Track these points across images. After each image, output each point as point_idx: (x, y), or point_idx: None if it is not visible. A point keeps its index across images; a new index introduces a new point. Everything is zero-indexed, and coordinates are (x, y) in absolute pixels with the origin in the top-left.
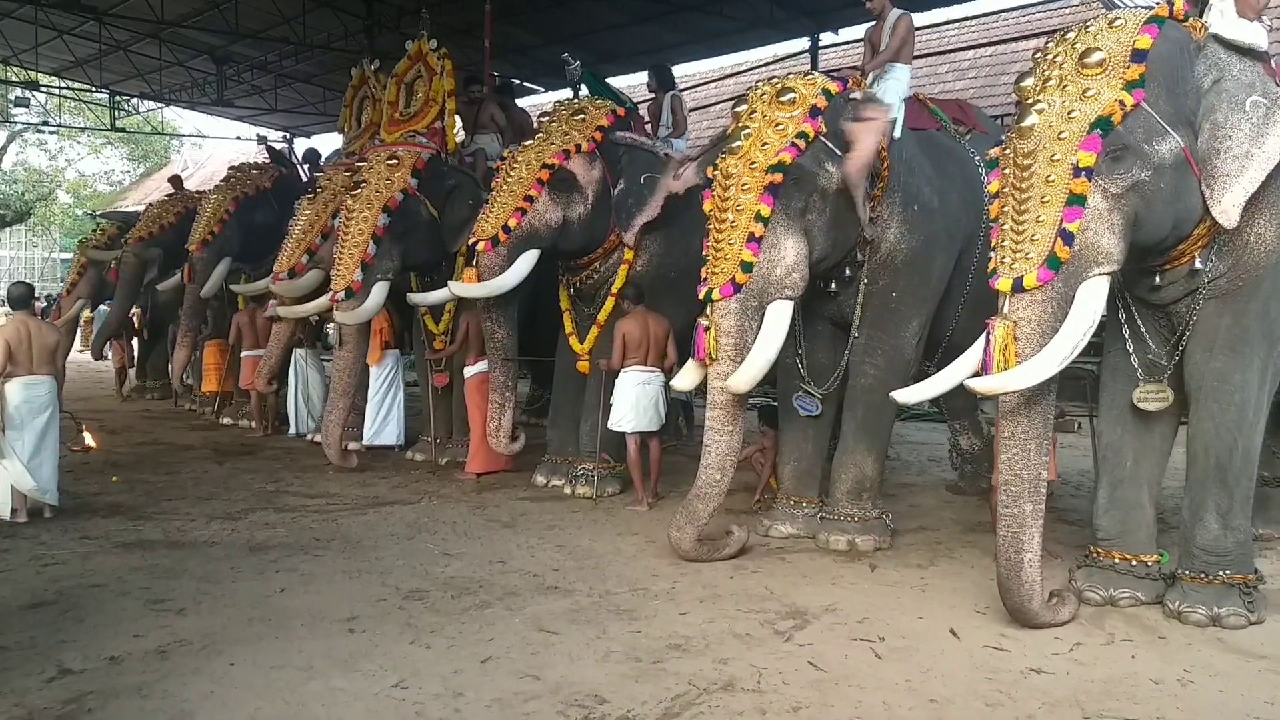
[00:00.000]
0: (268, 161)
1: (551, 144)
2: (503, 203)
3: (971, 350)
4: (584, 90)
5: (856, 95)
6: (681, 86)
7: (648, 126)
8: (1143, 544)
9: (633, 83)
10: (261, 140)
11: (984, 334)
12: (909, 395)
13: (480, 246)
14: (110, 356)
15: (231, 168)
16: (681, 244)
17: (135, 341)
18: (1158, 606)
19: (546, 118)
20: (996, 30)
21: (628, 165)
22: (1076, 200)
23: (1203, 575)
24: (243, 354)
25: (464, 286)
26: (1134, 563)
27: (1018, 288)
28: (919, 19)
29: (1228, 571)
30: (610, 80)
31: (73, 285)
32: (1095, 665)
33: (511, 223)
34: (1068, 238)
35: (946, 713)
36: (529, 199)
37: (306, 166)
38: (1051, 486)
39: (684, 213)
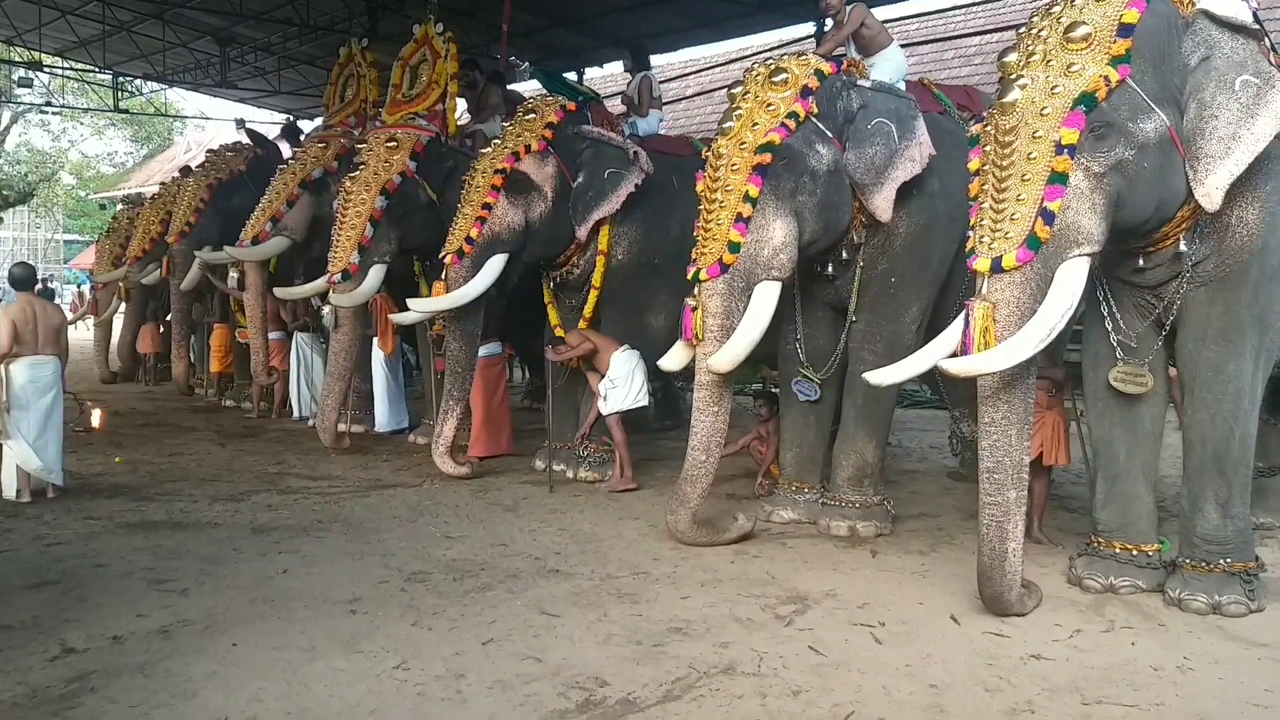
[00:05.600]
0: (245, 143)
1: (505, 148)
2: (465, 215)
3: (948, 331)
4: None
5: (864, 82)
6: (686, 70)
7: (622, 111)
8: (1143, 534)
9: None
10: (240, 124)
11: (963, 315)
12: (883, 376)
13: (448, 260)
14: (138, 343)
15: (209, 152)
16: (661, 230)
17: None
18: (1158, 594)
19: (508, 124)
20: (1004, 16)
21: (590, 159)
22: (1058, 178)
23: (1204, 564)
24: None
25: (429, 301)
26: (1135, 552)
27: (996, 268)
28: (927, 3)
29: (1228, 560)
30: (616, 64)
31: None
32: (1095, 652)
33: (473, 233)
34: (1049, 217)
35: (946, 698)
36: (487, 206)
37: (288, 143)
38: (1056, 473)
39: (659, 199)
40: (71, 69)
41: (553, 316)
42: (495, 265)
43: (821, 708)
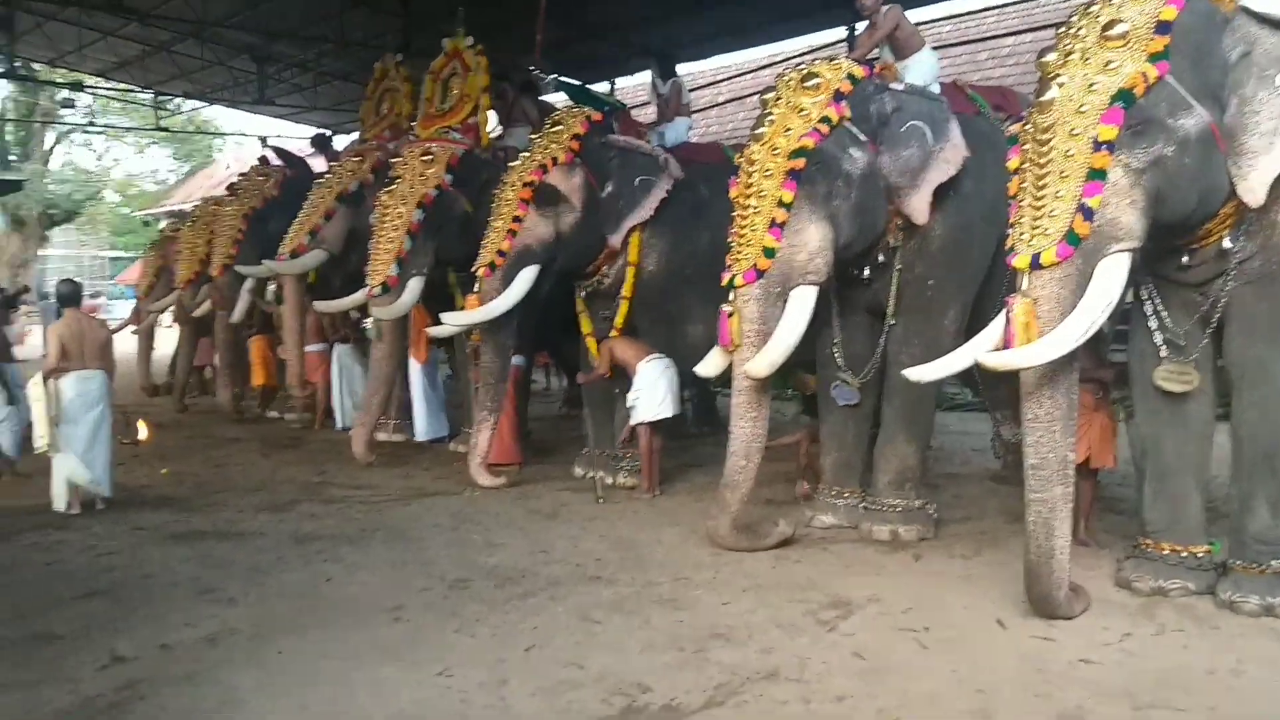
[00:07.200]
0: (277, 164)
1: (533, 161)
2: (496, 228)
3: (989, 328)
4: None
5: (897, 85)
6: (718, 77)
7: (652, 117)
8: (1192, 534)
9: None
10: (264, 141)
11: (1004, 312)
12: (924, 372)
13: (480, 274)
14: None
15: (240, 175)
16: (691, 239)
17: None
18: (1209, 597)
19: (536, 136)
20: (1036, 16)
21: (619, 168)
22: (1097, 175)
23: (1255, 565)
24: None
25: (462, 315)
26: (1184, 554)
27: (1035, 264)
28: (960, 4)
29: None
30: (647, 74)
31: (149, 289)
32: (1146, 656)
33: (504, 246)
34: (1088, 213)
35: (993, 703)
36: (517, 219)
37: (321, 155)
38: (1102, 475)
39: (688, 207)
40: (113, 89)
41: (585, 326)
42: (527, 277)
43: (866, 714)
